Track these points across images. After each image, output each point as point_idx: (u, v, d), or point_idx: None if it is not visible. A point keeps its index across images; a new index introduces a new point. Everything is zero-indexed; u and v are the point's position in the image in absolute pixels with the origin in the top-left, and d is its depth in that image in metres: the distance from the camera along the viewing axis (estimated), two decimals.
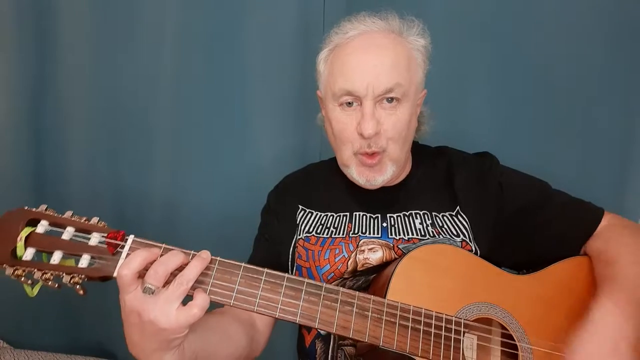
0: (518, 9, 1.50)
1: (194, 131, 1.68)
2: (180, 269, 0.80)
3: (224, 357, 0.97)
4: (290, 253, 1.16)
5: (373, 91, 1.02)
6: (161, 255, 0.81)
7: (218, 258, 0.85)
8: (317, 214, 1.18)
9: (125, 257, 0.81)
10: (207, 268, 0.83)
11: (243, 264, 0.85)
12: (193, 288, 0.80)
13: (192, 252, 0.84)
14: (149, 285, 0.76)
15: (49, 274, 0.79)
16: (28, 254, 0.79)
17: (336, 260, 1.09)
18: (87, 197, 1.72)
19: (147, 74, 1.66)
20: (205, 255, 0.83)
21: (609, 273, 0.97)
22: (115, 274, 0.79)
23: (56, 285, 0.80)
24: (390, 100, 1.04)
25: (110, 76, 1.67)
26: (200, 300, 0.79)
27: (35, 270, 0.79)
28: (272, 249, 1.19)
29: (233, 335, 1.00)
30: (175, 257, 0.79)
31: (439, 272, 0.98)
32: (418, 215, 1.12)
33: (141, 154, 1.71)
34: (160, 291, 0.77)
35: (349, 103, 1.06)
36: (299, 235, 1.16)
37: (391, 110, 1.05)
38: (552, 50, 1.50)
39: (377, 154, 1.06)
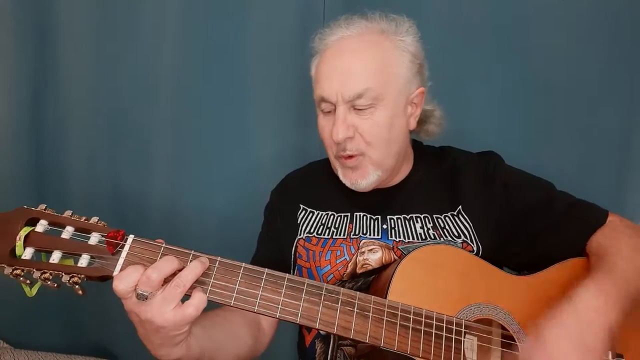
0: (518, 9, 1.49)
1: (194, 131, 1.68)
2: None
3: (229, 354, 0.99)
4: (292, 253, 1.16)
5: (342, 97, 1.03)
6: (161, 255, 0.81)
7: (219, 258, 0.84)
8: (318, 213, 1.18)
9: (126, 256, 0.81)
10: (208, 268, 0.83)
11: (243, 264, 0.85)
12: (192, 287, 0.80)
13: (192, 251, 0.83)
14: (142, 292, 0.76)
15: (48, 274, 0.78)
16: (27, 253, 0.79)
17: (337, 262, 1.09)
18: (87, 197, 1.71)
19: (147, 74, 1.66)
20: (205, 259, 0.82)
21: (600, 263, 0.98)
22: (115, 274, 0.79)
23: (55, 285, 0.79)
24: (365, 104, 1.04)
25: (110, 76, 1.67)
26: (197, 300, 0.79)
27: (34, 269, 0.78)
28: (275, 247, 1.20)
29: (239, 334, 1.02)
30: (169, 263, 0.79)
31: (439, 273, 0.97)
32: (419, 219, 1.11)
33: (141, 155, 1.70)
34: (157, 292, 0.77)
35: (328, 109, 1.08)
36: (300, 235, 1.16)
37: (366, 115, 1.04)
38: (552, 50, 1.50)
39: (354, 156, 1.07)
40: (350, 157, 1.07)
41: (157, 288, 0.77)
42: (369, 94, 1.02)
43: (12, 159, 1.72)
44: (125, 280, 0.77)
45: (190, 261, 0.82)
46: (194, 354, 0.87)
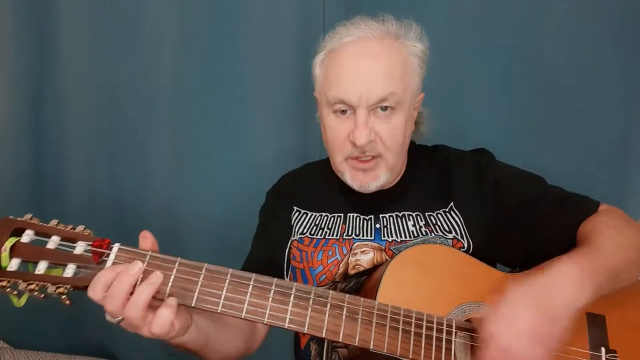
0: (518, 9, 1.48)
1: (194, 133, 1.68)
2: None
3: (228, 347, 1.01)
4: (286, 254, 1.16)
5: (366, 101, 1.01)
6: (147, 262, 0.81)
7: (205, 264, 0.84)
8: (311, 214, 1.18)
9: (111, 265, 0.81)
10: (195, 275, 0.82)
11: (230, 271, 0.85)
12: (161, 300, 0.80)
13: (179, 259, 0.83)
14: (112, 320, 0.77)
15: (34, 285, 0.78)
16: (13, 264, 0.79)
17: (329, 262, 1.10)
18: (87, 200, 1.71)
19: (147, 76, 1.66)
20: (154, 279, 0.79)
21: (583, 244, 0.97)
22: None
23: (42, 295, 0.79)
24: (385, 108, 1.03)
25: (110, 78, 1.67)
26: (162, 319, 0.77)
27: (21, 281, 0.78)
28: (268, 249, 1.20)
29: (238, 330, 1.03)
30: (122, 285, 0.77)
31: (429, 272, 0.97)
32: (411, 217, 1.12)
33: (140, 157, 1.71)
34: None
35: (343, 111, 1.05)
36: (294, 236, 1.17)
37: (386, 119, 1.04)
38: (551, 49, 1.49)
39: (372, 159, 1.07)
40: (367, 160, 1.07)
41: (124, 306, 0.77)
42: (393, 98, 1.02)
43: (12, 159, 1.73)
44: (94, 289, 0.77)
45: (176, 269, 0.82)
46: (200, 341, 0.89)
